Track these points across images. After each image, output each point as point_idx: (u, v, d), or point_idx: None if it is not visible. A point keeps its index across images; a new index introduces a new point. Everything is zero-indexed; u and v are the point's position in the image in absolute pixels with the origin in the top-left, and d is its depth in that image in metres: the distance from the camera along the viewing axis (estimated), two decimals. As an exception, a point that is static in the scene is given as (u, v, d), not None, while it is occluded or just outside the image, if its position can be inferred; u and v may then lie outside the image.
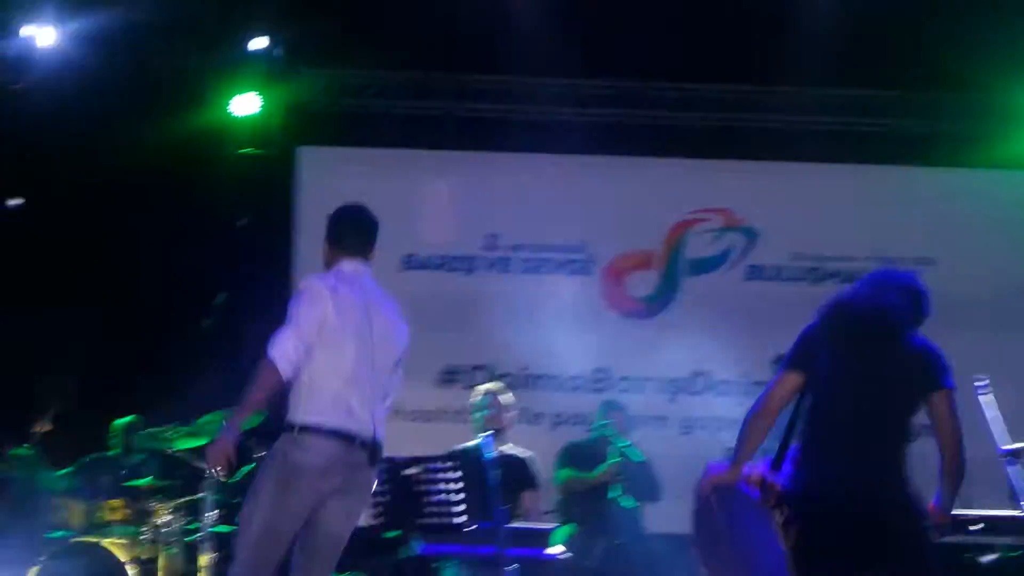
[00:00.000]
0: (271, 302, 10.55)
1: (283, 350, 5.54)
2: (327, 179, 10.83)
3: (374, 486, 5.87)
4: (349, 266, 5.91)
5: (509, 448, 8.24)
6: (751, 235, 10.94)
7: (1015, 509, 6.50)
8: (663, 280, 10.91)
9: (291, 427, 5.57)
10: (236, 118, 10.70)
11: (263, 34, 10.49)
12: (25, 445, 8.66)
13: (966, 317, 9.64)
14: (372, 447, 5.68)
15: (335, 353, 5.62)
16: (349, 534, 5.68)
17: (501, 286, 10.80)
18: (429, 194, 10.94)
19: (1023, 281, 10.72)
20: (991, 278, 10.63)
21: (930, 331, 5.49)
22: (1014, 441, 6.52)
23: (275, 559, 5.51)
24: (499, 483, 7.19)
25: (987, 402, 6.52)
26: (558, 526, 8.55)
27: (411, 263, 10.87)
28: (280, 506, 5.50)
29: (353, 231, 6.00)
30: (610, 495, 8.72)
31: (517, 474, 8.19)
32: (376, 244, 6.04)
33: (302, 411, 5.58)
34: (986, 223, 10.72)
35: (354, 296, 5.77)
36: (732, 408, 10.34)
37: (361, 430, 5.62)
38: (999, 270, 10.68)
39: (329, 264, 5.98)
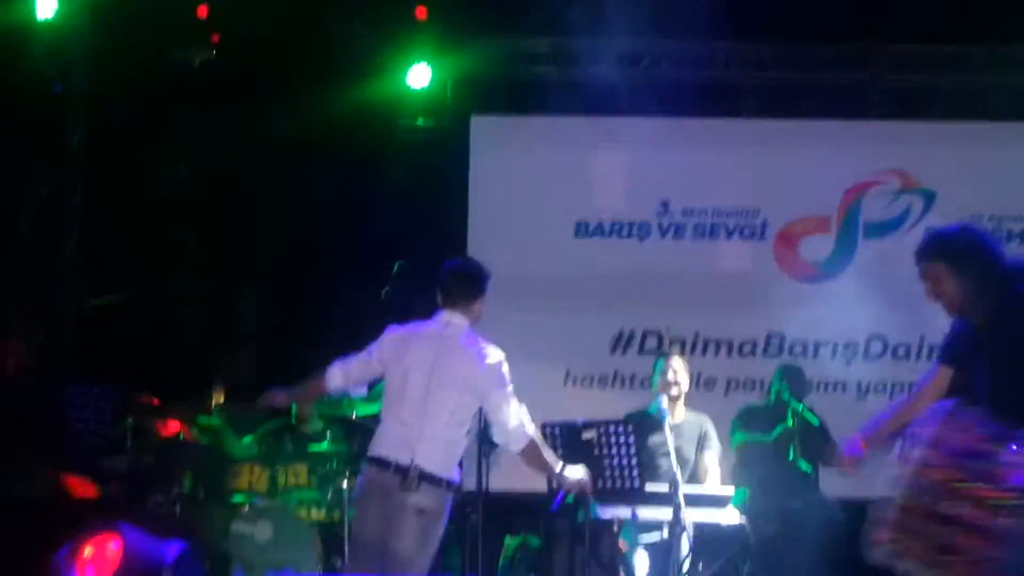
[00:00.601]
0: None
1: (334, 369, 6.47)
2: (501, 148, 10.94)
3: (417, 513, 6.11)
4: (443, 316, 6.32)
5: (684, 412, 8.25)
6: (929, 197, 10.75)
7: None
8: (838, 244, 10.78)
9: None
10: (411, 89, 10.81)
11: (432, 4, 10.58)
12: (210, 414, 8.90)
13: None
14: (406, 472, 6.06)
15: (390, 395, 6.25)
16: (410, 555, 6.03)
17: (674, 252, 10.79)
18: (602, 161, 10.98)
19: None
20: None
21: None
22: None
23: (367, 563, 6.06)
24: (675, 447, 7.22)
25: None
26: (734, 490, 8.56)
27: (584, 230, 10.91)
28: (356, 522, 6.29)
29: (451, 284, 6.35)
30: (787, 459, 8.68)
31: (693, 438, 8.20)
32: (482, 295, 6.36)
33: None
34: None
35: (421, 344, 6.23)
36: (909, 372, 10.23)
37: (398, 457, 6.08)
38: None
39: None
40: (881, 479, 9.39)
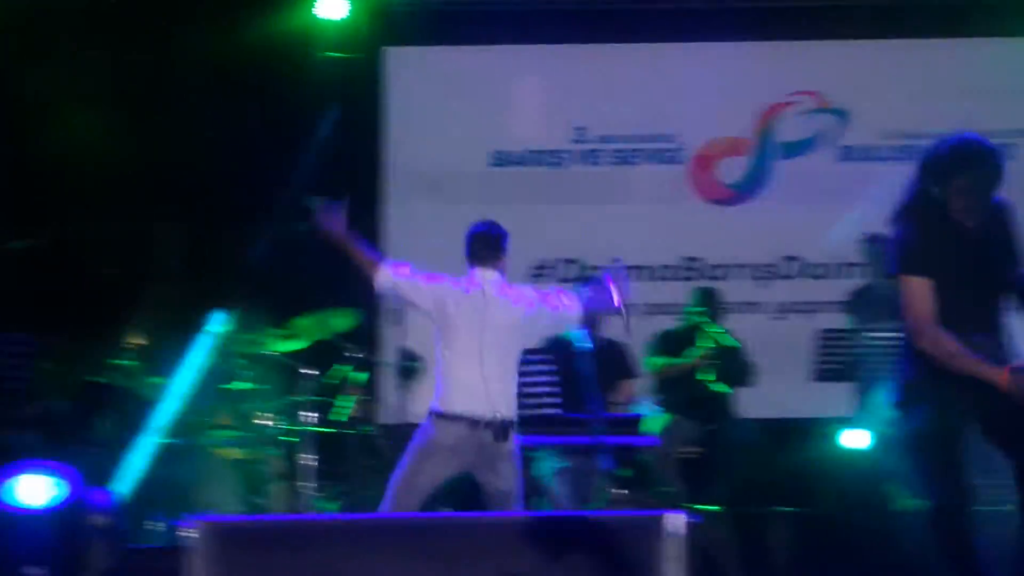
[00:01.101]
0: (360, 205, 10.66)
1: (391, 271, 6.64)
2: (415, 80, 10.86)
3: (511, 455, 6.55)
4: (477, 274, 6.74)
5: (604, 337, 8.27)
6: (843, 116, 10.79)
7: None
8: (753, 166, 10.81)
9: (431, 412, 6.55)
10: (324, 21, 10.67)
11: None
12: (125, 355, 8.80)
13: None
14: (498, 425, 6.48)
15: (454, 351, 6.57)
16: (511, 489, 6.55)
17: (591, 179, 10.77)
18: (517, 90, 10.93)
19: None
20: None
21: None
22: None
23: (411, 505, 6.44)
24: (594, 372, 7.23)
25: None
26: (653, 414, 8.61)
27: (501, 159, 10.87)
28: (417, 470, 6.46)
29: (480, 245, 6.83)
30: (703, 381, 8.75)
31: (612, 363, 8.22)
32: (506, 252, 6.82)
33: (436, 399, 6.56)
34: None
35: (466, 304, 6.63)
36: (825, 291, 10.32)
37: (485, 412, 6.47)
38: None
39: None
40: (793, 401, 9.57)
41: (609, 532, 4.76)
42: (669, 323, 9.71)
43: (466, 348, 6.55)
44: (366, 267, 6.66)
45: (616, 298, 6.76)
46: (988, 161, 5.29)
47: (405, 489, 6.45)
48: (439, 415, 6.50)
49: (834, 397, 8.89)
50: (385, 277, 6.63)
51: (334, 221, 6.64)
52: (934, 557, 5.34)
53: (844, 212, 10.14)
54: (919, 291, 5.24)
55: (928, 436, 5.32)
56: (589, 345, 7.16)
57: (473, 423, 6.47)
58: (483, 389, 6.50)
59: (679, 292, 10.02)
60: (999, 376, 5.15)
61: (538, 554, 4.81)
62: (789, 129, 10.79)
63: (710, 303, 9.12)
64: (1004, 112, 10.44)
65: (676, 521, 4.61)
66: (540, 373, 7.20)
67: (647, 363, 8.94)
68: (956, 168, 5.27)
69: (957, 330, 5.23)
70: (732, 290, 10.15)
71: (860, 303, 9.09)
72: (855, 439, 8.47)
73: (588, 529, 4.88)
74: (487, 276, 6.74)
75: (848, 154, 10.78)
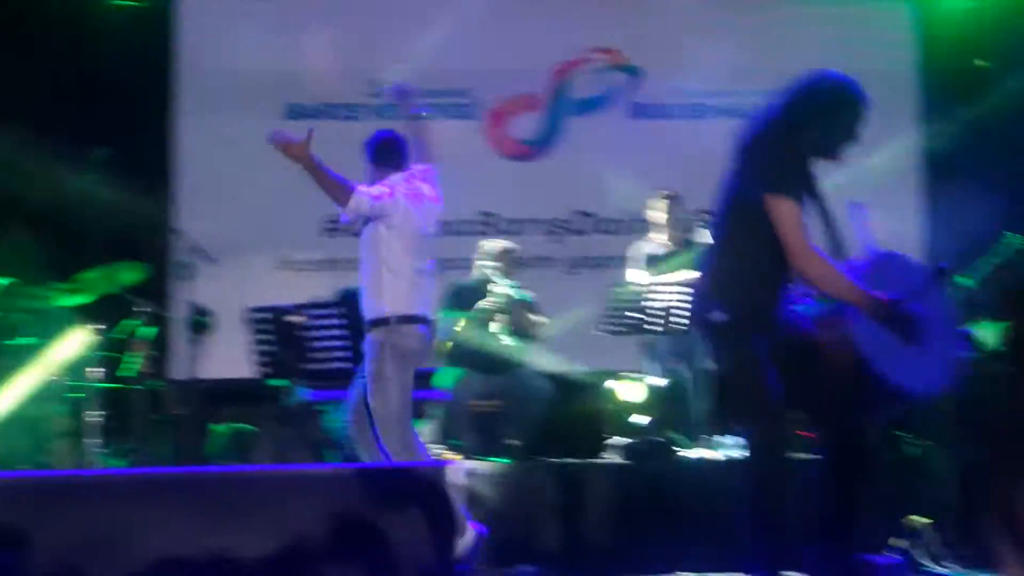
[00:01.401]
0: (151, 156, 10.47)
1: (367, 194, 6.61)
2: (207, 30, 10.66)
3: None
4: (409, 179, 6.83)
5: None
6: (635, 73, 10.92)
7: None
8: (547, 122, 10.89)
9: (392, 319, 6.48)
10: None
11: None
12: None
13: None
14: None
15: (418, 252, 6.68)
16: None
17: (385, 133, 10.70)
18: (310, 42, 10.79)
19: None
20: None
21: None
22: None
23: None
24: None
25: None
26: (444, 366, 8.65)
27: (295, 112, 10.75)
28: (407, 383, 6.41)
29: (404, 151, 7.00)
30: (497, 335, 8.80)
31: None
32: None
33: (399, 304, 6.52)
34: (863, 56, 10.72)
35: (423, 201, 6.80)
36: (618, 247, 10.43)
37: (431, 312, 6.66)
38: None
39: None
40: (584, 354, 9.68)
41: (394, 484, 4.77)
42: (464, 278, 9.75)
43: (421, 251, 6.66)
44: (339, 191, 6.60)
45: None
46: (864, 99, 5.44)
47: (408, 405, 6.37)
48: (407, 319, 6.48)
49: (624, 350, 9.04)
50: (361, 201, 6.55)
51: (301, 148, 6.58)
52: (740, 500, 5.40)
53: (636, 168, 10.29)
54: (793, 213, 5.28)
55: (749, 375, 5.37)
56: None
57: (429, 323, 6.61)
58: (430, 290, 6.69)
59: (474, 247, 10.06)
60: (874, 301, 5.28)
61: (321, 506, 4.81)
62: (582, 86, 10.88)
63: (504, 258, 9.17)
64: (792, 68, 10.62)
65: (458, 471, 4.64)
66: (331, 327, 7.16)
67: (441, 316, 8.97)
68: (845, 99, 5.41)
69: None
70: (526, 244, 10.24)
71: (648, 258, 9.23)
72: (639, 390, 8.64)
73: (373, 481, 4.89)
74: (416, 181, 6.80)
75: (640, 111, 10.92)
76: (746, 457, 5.41)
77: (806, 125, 5.37)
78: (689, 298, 7.89)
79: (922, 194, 10.92)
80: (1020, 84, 10.78)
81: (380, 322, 6.47)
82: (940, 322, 5.50)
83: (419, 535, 4.58)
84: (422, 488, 4.67)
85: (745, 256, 5.38)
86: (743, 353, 5.35)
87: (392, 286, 6.52)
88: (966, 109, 10.70)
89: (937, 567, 6.95)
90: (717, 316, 5.37)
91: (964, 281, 7.98)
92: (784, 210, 5.25)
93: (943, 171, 10.76)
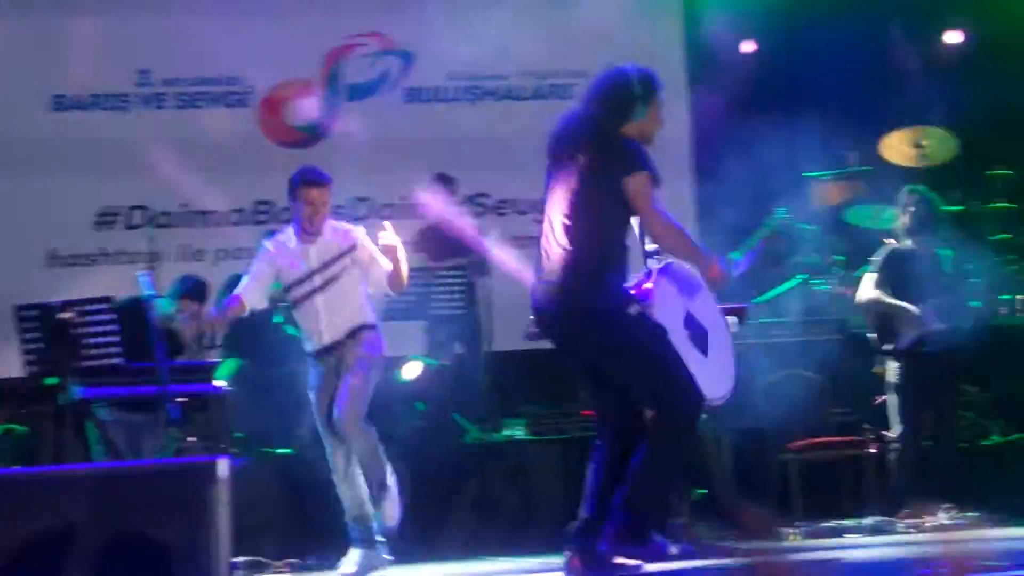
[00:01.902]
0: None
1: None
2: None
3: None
4: None
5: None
6: (407, 58, 10.91)
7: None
8: (322, 108, 10.81)
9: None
10: None
11: None
12: None
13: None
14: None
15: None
16: None
17: (157, 123, 10.52)
18: (76, 31, 10.56)
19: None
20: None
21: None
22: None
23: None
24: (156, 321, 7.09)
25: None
26: (223, 359, 8.54)
27: (62, 104, 10.50)
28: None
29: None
30: (271, 325, 8.73)
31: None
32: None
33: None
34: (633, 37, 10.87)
35: None
36: (396, 231, 10.42)
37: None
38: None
39: None
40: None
41: (165, 480, 4.72)
42: (241, 269, 9.65)
43: None
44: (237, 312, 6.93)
45: None
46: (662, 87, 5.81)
47: None
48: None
49: (403, 335, 9.06)
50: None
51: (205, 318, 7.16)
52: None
53: (412, 152, 10.31)
54: (649, 186, 5.56)
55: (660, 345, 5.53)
56: (153, 292, 7.04)
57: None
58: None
59: (251, 237, 9.96)
60: (712, 264, 5.64)
61: (95, 504, 4.72)
62: (355, 71, 10.84)
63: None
64: (573, 54, 10.77)
65: (226, 466, 4.60)
66: (102, 323, 7.02)
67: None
68: (656, 86, 5.76)
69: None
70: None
71: (428, 242, 9.27)
72: (416, 371, 8.69)
73: (145, 478, 4.82)
74: None
75: (414, 95, 10.92)
76: (649, 431, 5.53)
77: (631, 116, 5.66)
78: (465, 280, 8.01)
79: (691, 172, 11.11)
80: (785, 62, 11.09)
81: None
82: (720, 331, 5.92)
83: (189, 532, 4.53)
84: (192, 484, 4.61)
85: (609, 243, 5.60)
86: (631, 334, 5.50)
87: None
88: (732, 88, 10.94)
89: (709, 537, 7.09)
90: (599, 303, 5.52)
91: (734, 255, 8.18)
92: (643, 183, 5.53)
93: (710, 148, 10.96)
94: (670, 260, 5.85)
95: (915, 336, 8.05)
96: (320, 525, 8.11)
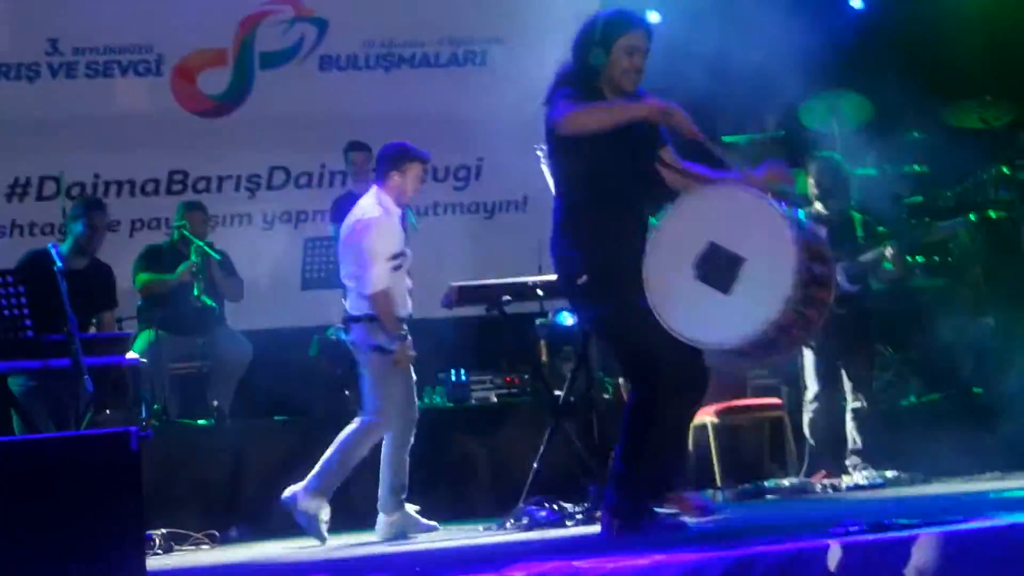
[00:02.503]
0: None
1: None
2: None
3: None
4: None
5: (86, 258, 8.07)
6: (322, 25, 10.79)
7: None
8: (235, 76, 10.65)
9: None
10: None
11: None
12: None
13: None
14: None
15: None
16: None
17: (67, 93, 10.34)
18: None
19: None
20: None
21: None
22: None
23: None
24: (66, 292, 6.98)
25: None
26: (138, 331, 8.49)
27: (-33, 74, 10.31)
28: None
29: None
30: (190, 296, 8.67)
31: (95, 282, 8.04)
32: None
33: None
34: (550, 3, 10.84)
35: None
36: (313, 200, 10.40)
37: None
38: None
39: None
40: (284, 310, 9.65)
41: (78, 452, 4.66)
42: (157, 238, 9.58)
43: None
44: None
45: None
46: (644, 22, 5.61)
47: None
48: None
49: (322, 304, 9.03)
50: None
51: None
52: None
53: (327, 121, 10.24)
54: (569, 105, 5.33)
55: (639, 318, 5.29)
56: (60, 264, 6.93)
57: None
58: None
59: (166, 207, 9.87)
60: (649, 108, 5.39)
61: (6, 478, 4.65)
62: (269, 39, 10.68)
63: (195, 217, 9.03)
64: (489, 20, 10.73)
65: (139, 438, 4.55)
66: (10, 296, 6.90)
67: (134, 280, 8.81)
68: (619, 29, 5.45)
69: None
70: (220, 202, 10.09)
71: (343, 211, 9.21)
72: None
73: (59, 451, 4.76)
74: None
75: (329, 63, 10.81)
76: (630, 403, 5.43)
77: (591, 62, 5.45)
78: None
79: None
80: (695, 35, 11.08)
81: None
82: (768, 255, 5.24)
83: (103, 504, 4.48)
84: (106, 456, 4.55)
85: (572, 209, 5.45)
86: (615, 305, 5.35)
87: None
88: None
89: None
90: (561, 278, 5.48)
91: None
92: (562, 111, 5.30)
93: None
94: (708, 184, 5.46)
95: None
96: (241, 497, 8.10)
